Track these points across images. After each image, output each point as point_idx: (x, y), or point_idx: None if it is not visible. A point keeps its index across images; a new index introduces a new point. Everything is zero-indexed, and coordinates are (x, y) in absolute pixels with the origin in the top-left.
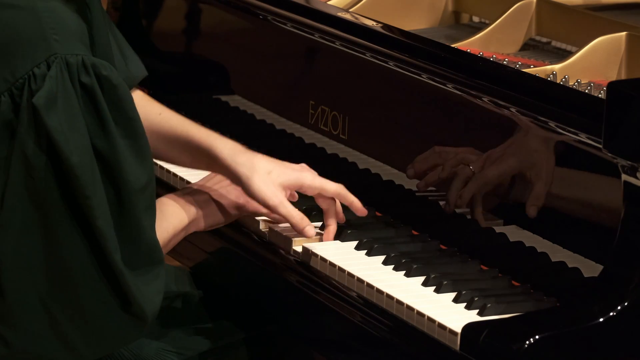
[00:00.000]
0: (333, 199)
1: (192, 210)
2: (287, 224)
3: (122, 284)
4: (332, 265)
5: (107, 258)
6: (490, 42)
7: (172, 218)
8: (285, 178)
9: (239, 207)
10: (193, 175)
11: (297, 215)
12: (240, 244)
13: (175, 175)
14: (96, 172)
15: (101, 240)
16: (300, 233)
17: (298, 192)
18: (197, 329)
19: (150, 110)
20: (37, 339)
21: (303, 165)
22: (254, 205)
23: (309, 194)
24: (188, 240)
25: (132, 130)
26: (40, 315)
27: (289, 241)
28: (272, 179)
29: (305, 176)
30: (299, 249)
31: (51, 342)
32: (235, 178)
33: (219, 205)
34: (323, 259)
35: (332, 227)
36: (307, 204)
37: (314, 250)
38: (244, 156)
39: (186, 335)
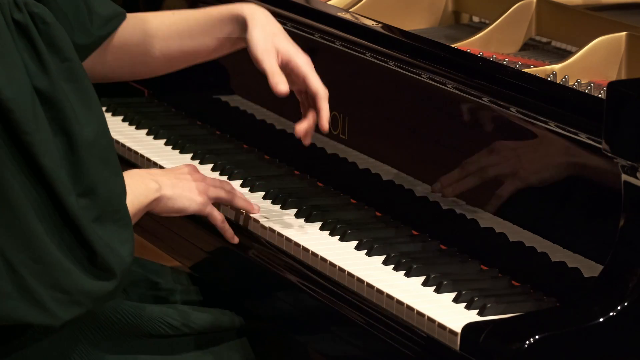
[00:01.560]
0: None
1: (158, 189)
2: (284, 226)
3: (82, 230)
4: (332, 265)
5: (61, 201)
6: (490, 42)
7: (136, 191)
8: (283, 45)
9: (202, 204)
10: (159, 157)
11: (276, 73)
12: (240, 244)
13: (142, 156)
14: (38, 110)
15: (50, 180)
16: (274, 87)
17: (302, 196)
18: (196, 309)
19: (163, 16)
20: (3, 297)
21: (303, 53)
22: (214, 197)
23: (293, 76)
24: (188, 240)
25: (72, 72)
26: (2, 271)
27: (289, 241)
28: (272, 39)
29: (300, 56)
30: (298, 249)
31: (19, 301)
32: (244, 26)
33: (185, 192)
34: (323, 259)
35: (307, 122)
36: (308, 204)
37: (314, 250)
38: (262, 15)
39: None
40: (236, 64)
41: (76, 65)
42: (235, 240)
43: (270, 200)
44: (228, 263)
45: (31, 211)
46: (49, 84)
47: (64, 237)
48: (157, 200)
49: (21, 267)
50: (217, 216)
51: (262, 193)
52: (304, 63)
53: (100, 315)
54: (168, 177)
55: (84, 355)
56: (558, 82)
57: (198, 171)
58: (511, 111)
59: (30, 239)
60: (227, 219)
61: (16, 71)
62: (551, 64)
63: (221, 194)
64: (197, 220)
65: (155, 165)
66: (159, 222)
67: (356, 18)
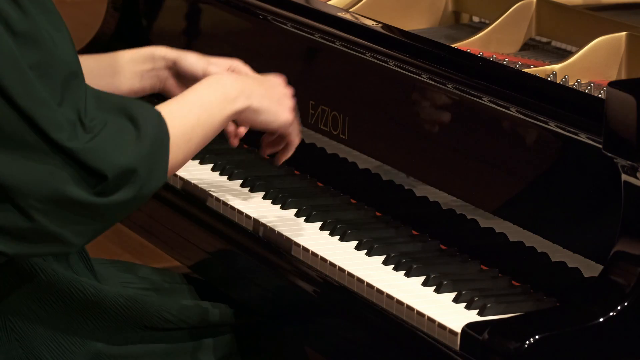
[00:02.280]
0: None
1: (248, 97)
2: (284, 226)
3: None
4: (332, 265)
5: (47, 133)
6: (490, 42)
7: (222, 97)
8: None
9: (287, 122)
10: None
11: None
12: (240, 244)
13: (232, 208)
14: (6, 54)
15: (34, 120)
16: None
17: (302, 196)
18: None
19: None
20: (19, 237)
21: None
22: None
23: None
24: (188, 240)
25: (44, 4)
26: (16, 216)
27: (289, 241)
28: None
29: (216, 63)
30: (298, 249)
31: (34, 237)
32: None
33: (273, 106)
34: (323, 259)
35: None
36: (308, 204)
37: (314, 250)
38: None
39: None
40: None
41: (55, 16)
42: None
43: (270, 200)
44: (228, 262)
45: (31, 150)
46: (30, 26)
47: (57, 161)
48: (243, 110)
49: (32, 211)
50: (295, 141)
51: (262, 193)
52: (217, 69)
53: (96, 306)
54: (259, 87)
55: (80, 346)
56: (558, 82)
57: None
58: (511, 111)
59: (33, 180)
60: (225, 217)
61: None
62: (551, 64)
63: (297, 140)
64: (197, 221)
65: None
66: (159, 221)
67: (356, 18)
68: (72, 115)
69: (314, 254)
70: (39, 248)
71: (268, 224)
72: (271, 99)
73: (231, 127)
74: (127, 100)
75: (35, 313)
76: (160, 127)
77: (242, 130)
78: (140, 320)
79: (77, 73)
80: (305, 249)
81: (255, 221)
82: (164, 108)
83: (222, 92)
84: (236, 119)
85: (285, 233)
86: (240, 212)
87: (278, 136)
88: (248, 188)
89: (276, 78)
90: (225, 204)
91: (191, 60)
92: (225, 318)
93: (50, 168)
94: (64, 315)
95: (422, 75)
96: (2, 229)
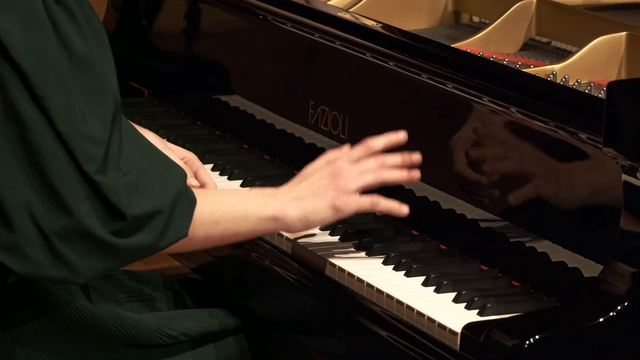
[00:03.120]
0: None
1: (279, 207)
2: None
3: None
4: (332, 265)
5: (78, 166)
6: (490, 42)
7: (251, 200)
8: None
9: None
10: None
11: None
12: (239, 245)
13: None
14: (63, 80)
15: (69, 147)
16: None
17: None
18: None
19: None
20: (34, 261)
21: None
22: None
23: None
24: None
25: (106, 52)
26: (35, 240)
27: (288, 241)
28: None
29: (173, 149)
30: (298, 249)
31: (48, 262)
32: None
33: (318, 202)
34: (323, 259)
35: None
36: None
37: (313, 250)
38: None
39: (183, 317)
40: (236, 64)
41: (107, 47)
42: (405, 211)
43: None
44: (229, 263)
45: (60, 176)
46: (89, 52)
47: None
48: (282, 220)
49: (52, 236)
50: (364, 205)
51: None
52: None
53: (100, 327)
54: (297, 193)
55: None
56: (558, 82)
57: (330, 161)
58: (511, 111)
59: (61, 207)
60: None
61: (42, 40)
62: (551, 64)
63: (365, 205)
64: None
65: None
66: None
67: (356, 18)
68: (110, 149)
69: (314, 254)
70: (48, 272)
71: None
72: (313, 200)
73: None
74: (162, 154)
75: (38, 328)
76: (187, 187)
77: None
78: (139, 340)
79: (120, 107)
80: (306, 249)
81: None
82: (198, 189)
83: (263, 196)
84: (287, 229)
85: (285, 233)
86: None
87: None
88: (248, 188)
89: (319, 164)
90: None
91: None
92: (226, 324)
93: (74, 198)
94: (59, 333)
95: (422, 75)
96: (17, 246)
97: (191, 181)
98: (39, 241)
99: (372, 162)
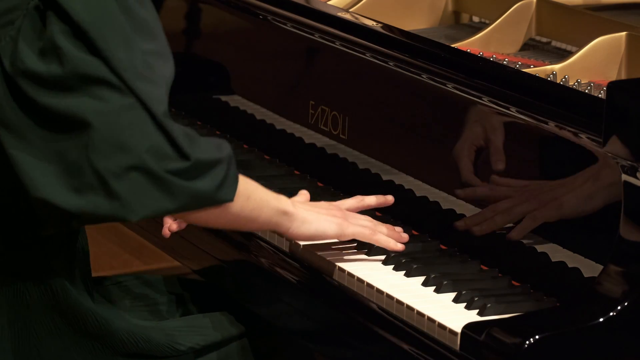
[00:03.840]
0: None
1: (290, 204)
2: None
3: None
4: (332, 265)
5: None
6: (490, 42)
7: (266, 195)
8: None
9: (342, 225)
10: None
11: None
12: (238, 244)
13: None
14: (118, 32)
15: (133, 89)
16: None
17: None
18: (197, 323)
19: None
20: (93, 203)
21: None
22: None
23: None
24: (188, 241)
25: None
26: (94, 183)
27: (288, 242)
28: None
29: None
30: (298, 248)
31: (105, 201)
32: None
33: (322, 214)
34: (323, 259)
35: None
36: None
37: (313, 250)
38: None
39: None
40: (236, 64)
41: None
42: (400, 247)
43: None
44: (230, 265)
45: (124, 114)
46: (150, 16)
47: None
48: (289, 216)
49: (111, 178)
50: (365, 232)
51: None
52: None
53: (114, 337)
54: (303, 203)
55: None
56: (558, 82)
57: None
58: (511, 111)
59: (120, 145)
60: None
61: (102, 3)
62: (551, 64)
63: (365, 232)
64: None
65: None
66: (159, 221)
67: (356, 18)
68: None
69: (314, 255)
70: (100, 207)
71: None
72: (318, 212)
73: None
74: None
75: (53, 327)
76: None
77: (174, 227)
78: (149, 352)
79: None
80: (305, 249)
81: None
82: None
83: (278, 195)
84: (287, 231)
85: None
86: None
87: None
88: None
89: (326, 203)
90: None
91: None
92: (230, 333)
93: (139, 135)
94: (72, 337)
95: (422, 75)
96: (72, 185)
97: None
98: (95, 178)
99: (368, 222)
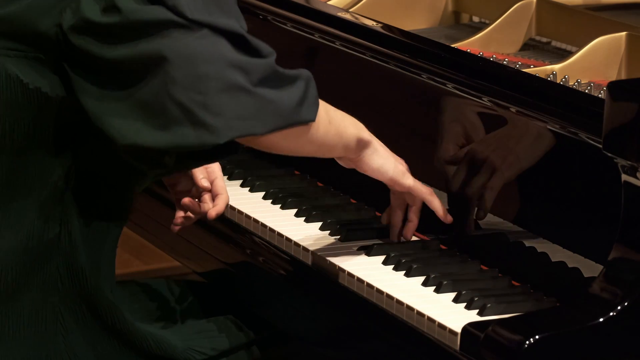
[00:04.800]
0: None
1: (370, 137)
2: (284, 226)
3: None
4: (332, 265)
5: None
6: (490, 42)
7: (351, 121)
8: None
9: (403, 172)
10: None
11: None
12: (238, 244)
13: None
14: None
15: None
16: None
17: (302, 196)
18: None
19: None
20: (179, 134)
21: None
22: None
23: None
24: (189, 241)
25: None
26: (180, 117)
27: (289, 242)
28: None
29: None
30: (298, 249)
31: (192, 131)
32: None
33: (392, 158)
34: (323, 259)
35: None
36: (308, 204)
37: (313, 250)
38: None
39: (202, 336)
40: None
41: None
42: (449, 218)
43: (270, 200)
44: (230, 264)
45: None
46: None
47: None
48: (364, 144)
49: (194, 106)
50: (423, 188)
51: (262, 193)
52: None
53: (139, 340)
54: (380, 145)
55: None
56: (558, 82)
57: None
58: (511, 111)
59: (201, 81)
60: (225, 217)
61: None
62: (551, 64)
63: (423, 188)
64: (197, 221)
65: None
66: (159, 221)
67: (356, 18)
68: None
69: (314, 255)
70: (188, 138)
71: (269, 225)
72: (389, 153)
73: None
74: None
75: (81, 318)
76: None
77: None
78: (171, 357)
79: None
80: (306, 250)
81: (255, 221)
82: None
83: (356, 120)
84: (356, 155)
85: (286, 234)
86: (240, 212)
87: (402, 200)
88: (248, 188)
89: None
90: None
91: None
92: (238, 340)
93: (218, 56)
94: (99, 333)
95: (422, 75)
96: (156, 121)
97: (203, 182)
98: (179, 112)
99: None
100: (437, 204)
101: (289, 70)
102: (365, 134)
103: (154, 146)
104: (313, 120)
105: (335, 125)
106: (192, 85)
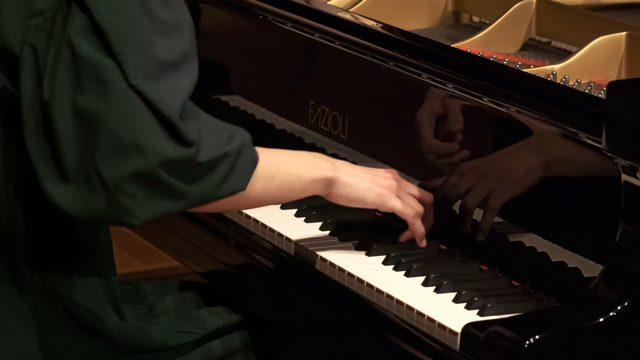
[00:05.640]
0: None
1: (334, 170)
2: (284, 226)
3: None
4: (332, 265)
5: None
6: (490, 42)
7: (309, 160)
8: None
9: (383, 195)
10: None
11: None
12: (239, 244)
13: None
14: (136, 36)
15: (143, 95)
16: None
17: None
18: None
19: None
20: (94, 208)
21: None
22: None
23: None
24: (188, 241)
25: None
26: (99, 190)
27: (289, 242)
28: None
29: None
30: (298, 249)
31: (108, 208)
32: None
33: (365, 182)
34: (323, 259)
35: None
36: (308, 204)
37: (314, 251)
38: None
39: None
40: (236, 64)
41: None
42: (424, 244)
43: None
44: (230, 265)
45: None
46: (172, 17)
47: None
48: (328, 182)
49: (112, 184)
50: (406, 210)
51: None
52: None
53: (119, 339)
54: (350, 167)
55: None
56: (558, 82)
57: (398, 177)
58: (511, 111)
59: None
60: (225, 217)
61: (124, 3)
62: (551, 64)
63: (407, 210)
64: (197, 221)
65: None
66: (159, 221)
67: (356, 18)
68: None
69: (314, 255)
70: (102, 211)
71: (269, 225)
72: (362, 178)
73: None
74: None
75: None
76: (250, 144)
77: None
78: (150, 347)
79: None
80: (306, 250)
81: (255, 221)
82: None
83: (314, 157)
84: (329, 193)
85: (285, 233)
86: (240, 212)
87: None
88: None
89: (383, 170)
90: None
91: None
92: (230, 320)
93: (150, 133)
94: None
95: (422, 75)
96: (77, 186)
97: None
98: (99, 187)
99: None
100: (416, 228)
101: (215, 150)
102: (328, 172)
103: (67, 211)
104: (242, 189)
105: (281, 177)
106: (116, 163)
